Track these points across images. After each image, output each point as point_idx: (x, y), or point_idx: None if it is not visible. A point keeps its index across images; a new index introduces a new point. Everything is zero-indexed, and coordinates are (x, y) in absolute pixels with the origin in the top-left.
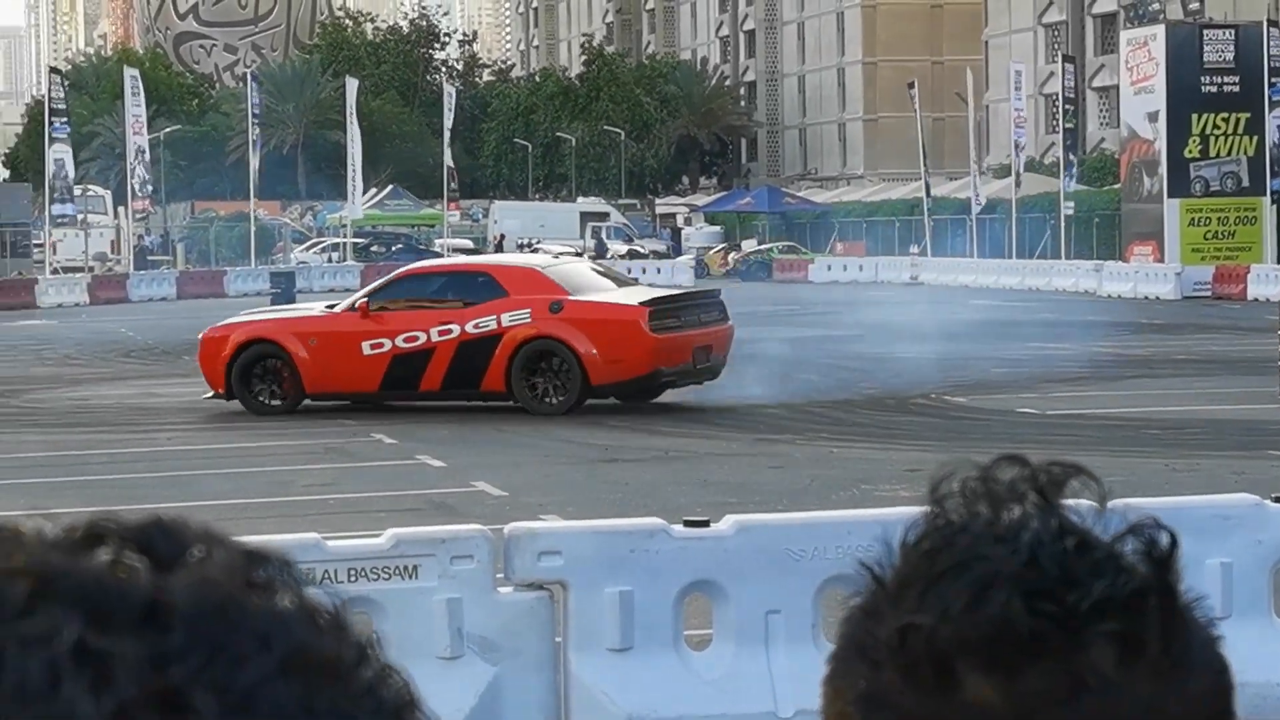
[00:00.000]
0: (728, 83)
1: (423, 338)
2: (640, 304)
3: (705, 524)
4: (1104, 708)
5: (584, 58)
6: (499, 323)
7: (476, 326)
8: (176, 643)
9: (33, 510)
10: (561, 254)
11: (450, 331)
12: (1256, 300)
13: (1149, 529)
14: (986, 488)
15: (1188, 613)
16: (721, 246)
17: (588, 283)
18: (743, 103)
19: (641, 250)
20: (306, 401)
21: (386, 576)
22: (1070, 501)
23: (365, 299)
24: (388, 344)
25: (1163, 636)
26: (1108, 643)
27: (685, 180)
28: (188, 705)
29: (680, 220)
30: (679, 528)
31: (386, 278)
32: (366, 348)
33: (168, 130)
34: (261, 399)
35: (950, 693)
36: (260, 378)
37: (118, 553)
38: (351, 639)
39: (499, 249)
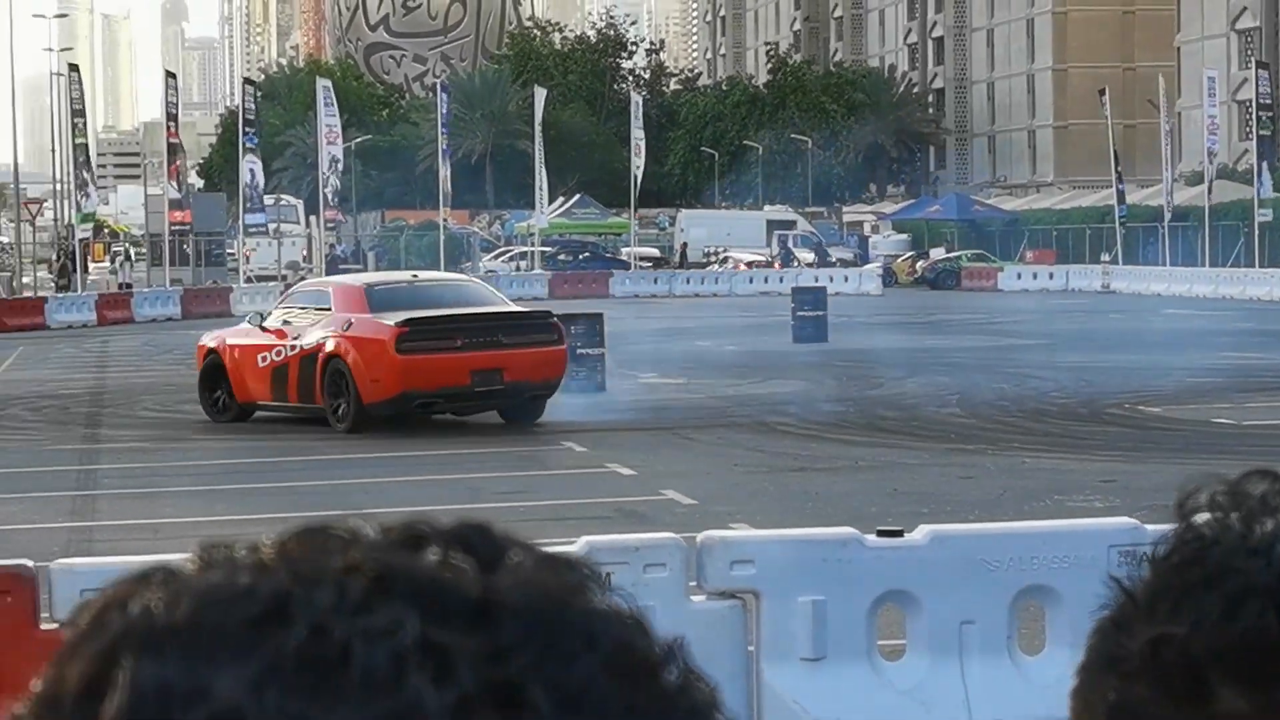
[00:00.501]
0: (916, 90)
1: (284, 352)
2: (397, 324)
3: (899, 534)
4: None
5: (769, 65)
6: (318, 340)
7: (308, 342)
8: (510, 639)
9: (350, 511)
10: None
11: (295, 346)
12: None
13: None
14: (1237, 501)
15: None
16: (909, 254)
17: (410, 302)
18: (931, 110)
19: (830, 258)
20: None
21: None
22: None
23: (264, 313)
24: (269, 357)
25: None
26: None
27: (873, 188)
28: (523, 700)
29: (867, 228)
30: (872, 537)
31: (287, 292)
32: (259, 360)
33: (358, 140)
34: (217, 406)
35: (1202, 705)
36: (219, 386)
37: (444, 553)
38: (659, 640)
39: (682, 258)
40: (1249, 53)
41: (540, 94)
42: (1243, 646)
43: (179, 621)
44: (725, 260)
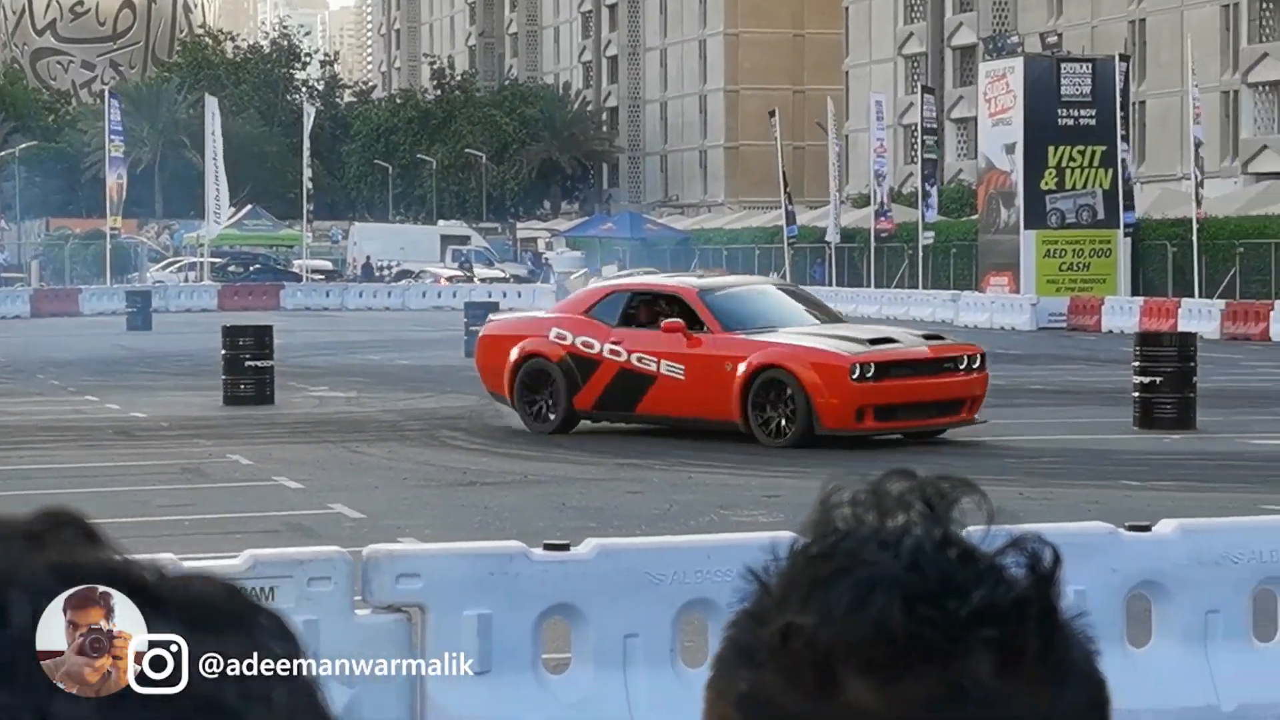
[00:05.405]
0: (590, 108)
1: None
2: None
3: (565, 547)
4: (981, 714)
5: (433, 80)
6: None
7: None
8: None
9: None
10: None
11: None
12: (1110, 332)
13: (1033, 543)
14: (875, 498)
15: (1068, 626)
16: (583, 271)
17: None
18: (605, 128)
19: (502, 274)
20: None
21: None
22: (960, 518)
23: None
24: None
25: (1042, 647)
26: (986, 650)
27: (547, 204)
28: None
29: (541, 244)
30: (539, 551)
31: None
32: None
33: (23, 146)
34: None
35: (830, 695)
36: None
37: None
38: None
39: (366, 269)
40: (915, 78)
41: (212, 103)
42: (868, 638)
43: None
44: (420, 275)
